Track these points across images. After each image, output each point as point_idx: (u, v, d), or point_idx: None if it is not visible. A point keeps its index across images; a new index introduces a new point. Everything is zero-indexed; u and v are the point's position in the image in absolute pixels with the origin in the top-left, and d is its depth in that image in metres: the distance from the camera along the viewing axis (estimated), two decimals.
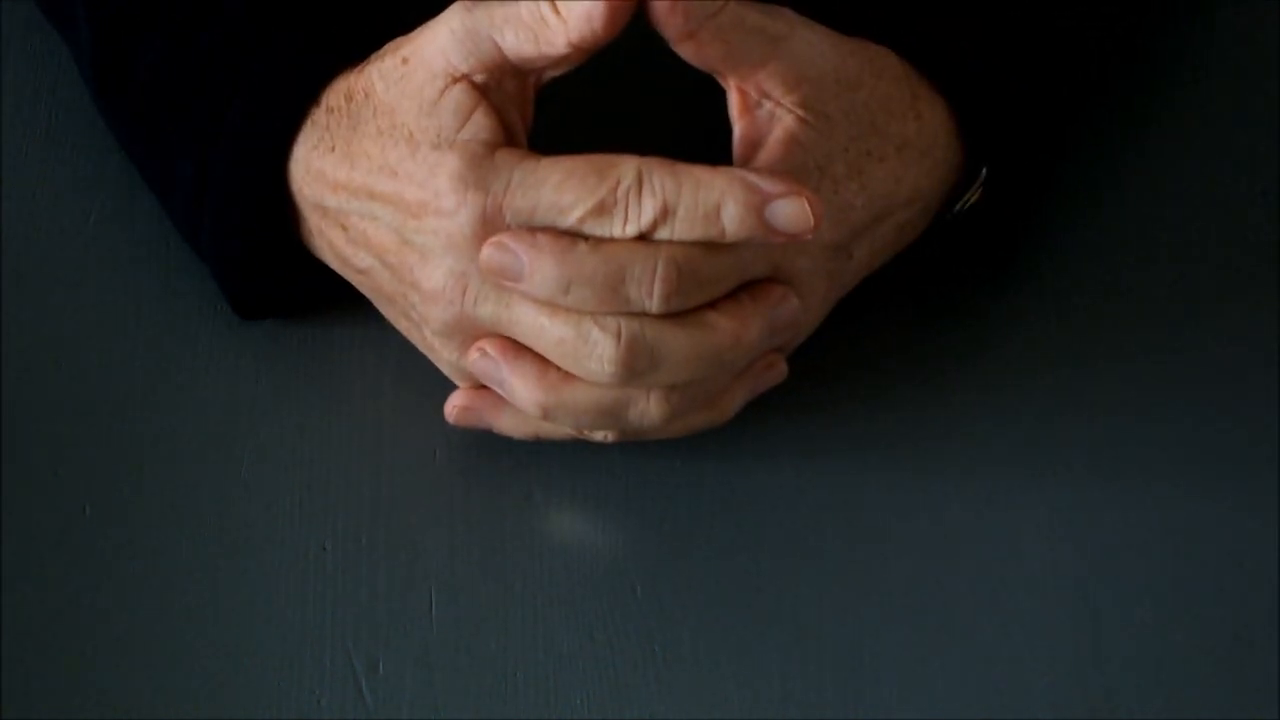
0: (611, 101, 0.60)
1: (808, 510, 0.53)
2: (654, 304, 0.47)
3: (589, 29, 0.47)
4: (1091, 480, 0.53)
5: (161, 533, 0.52)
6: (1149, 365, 0.55)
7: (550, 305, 0.48)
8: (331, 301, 0.54)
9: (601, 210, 0.47)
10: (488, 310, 0.49)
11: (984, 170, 0.53)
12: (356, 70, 0.51)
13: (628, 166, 0.47)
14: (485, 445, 0.52)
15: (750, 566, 0.52)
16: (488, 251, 0.48)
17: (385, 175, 0.49)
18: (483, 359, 0.49)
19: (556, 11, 0.47)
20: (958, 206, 0.54)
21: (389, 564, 0.52)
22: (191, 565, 0.52)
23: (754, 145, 0.50)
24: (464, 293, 0.49)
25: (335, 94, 0.51)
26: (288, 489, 0.53)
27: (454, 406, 0.51)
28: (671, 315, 0.48)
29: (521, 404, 0.49)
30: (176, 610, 0.51)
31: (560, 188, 0.47)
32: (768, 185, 0.47)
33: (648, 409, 0.49)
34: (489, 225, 0.48)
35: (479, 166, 0.48)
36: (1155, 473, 0.54)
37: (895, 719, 0.50)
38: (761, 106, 0.50)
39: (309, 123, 0.51)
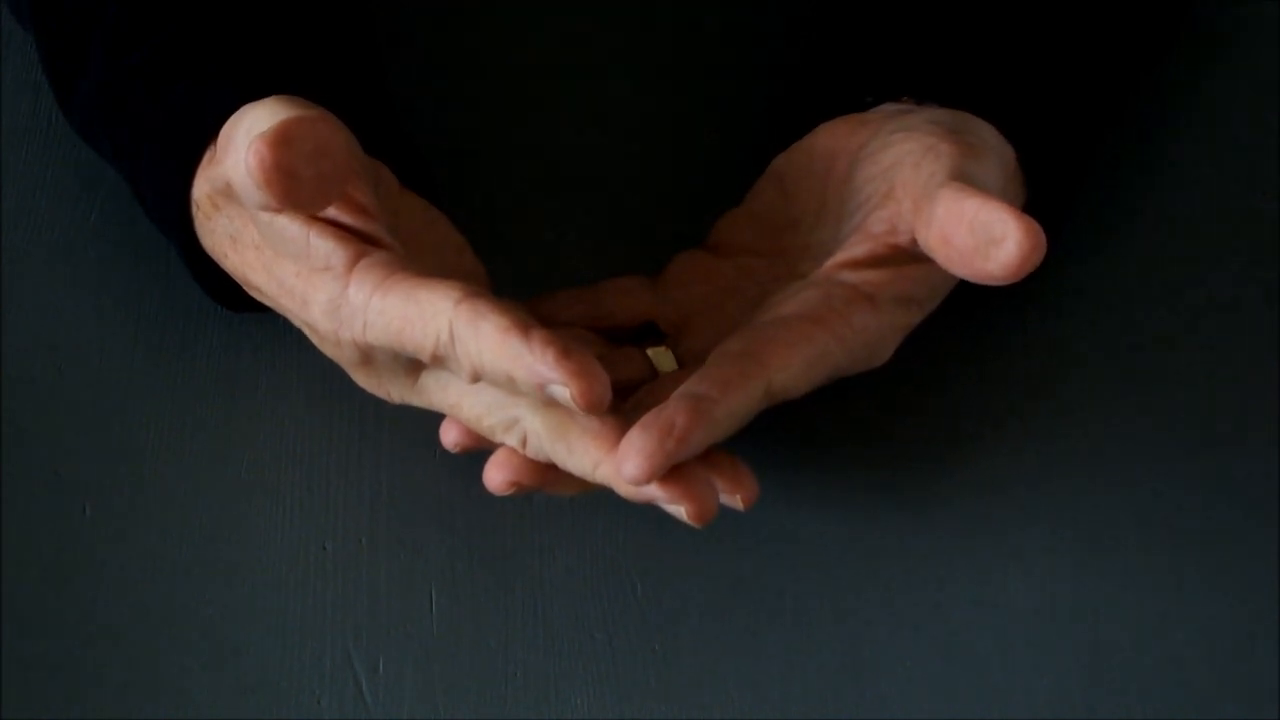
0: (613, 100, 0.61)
1: (808, 510, 0.53)
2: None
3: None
4: (1092, 479, 0.53)
5: (161, 533, 0.52)
6: (1150, 366, 0.55)
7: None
8: None
9: (437, 363, 0.46)
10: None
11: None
12: None
13: (442, 320, 0.45)
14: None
15: (750, 566, 0.52)
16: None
17: (266, 258, 0.49)
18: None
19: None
20: None
21: (389, 564, 0.52)
22: (191, 565, 0.51)
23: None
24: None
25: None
26: (288, 489, 0.53)
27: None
28: None
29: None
30: (176, 610, 0.51)
31: (401, 335, 0.46)
32: (548, 372, 0.44)
33: None
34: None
35: (335, 312, 0.47)
36: (1155, 473, 0.54)
37: (895, 719, 0.50)
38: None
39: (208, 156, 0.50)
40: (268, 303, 0.50)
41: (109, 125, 0.53)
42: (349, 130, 0.46)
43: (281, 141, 0.44)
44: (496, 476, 0.49)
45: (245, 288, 0.51)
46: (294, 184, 0.44)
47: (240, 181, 0.46)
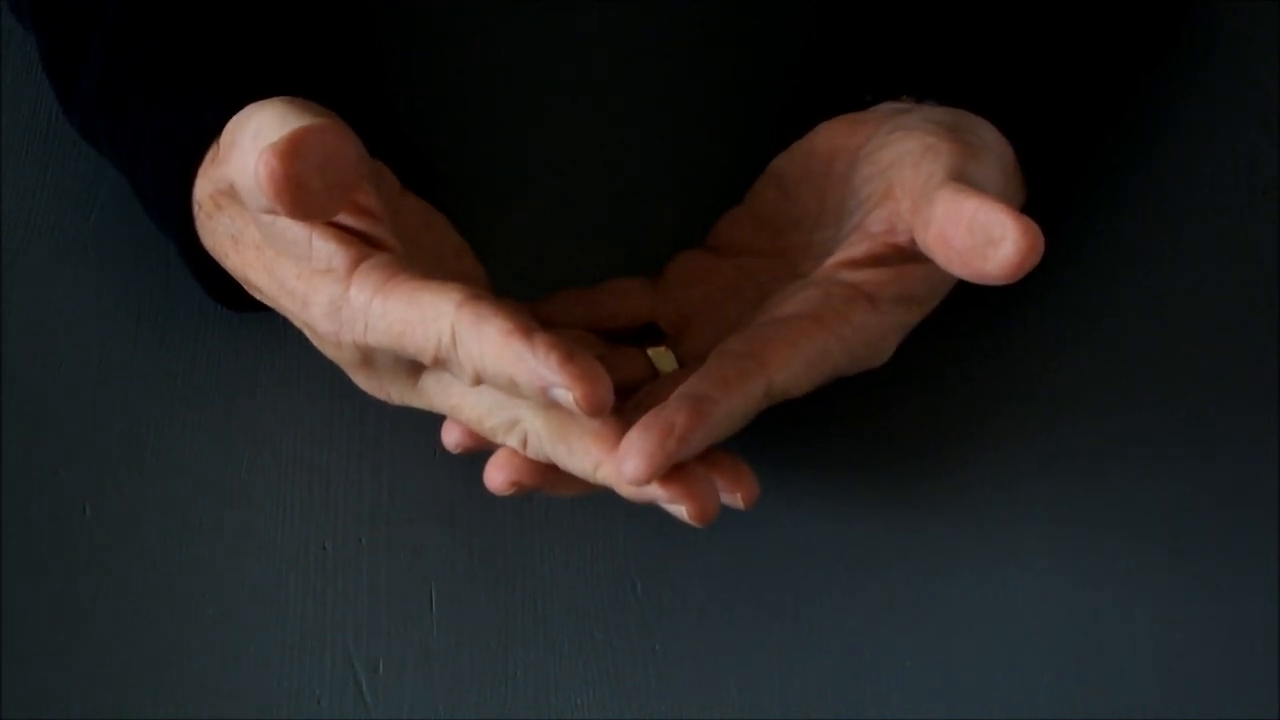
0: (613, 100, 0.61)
1: (808, 510, 0.53)
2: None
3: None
4: (1092, 479, 0.53)
5: (161, 533, 0.52)
6: (1150, 366, 0.55)
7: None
8: None
9: (439, 365, 0.46)
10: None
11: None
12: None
13: (444, 323, 0.45)
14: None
15: (750, 566, 0.52)
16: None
17: (267, 258, 0.49)
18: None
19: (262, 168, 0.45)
20: None
21: (389, 564, 0.52)
22: (191, 565, 0.51)
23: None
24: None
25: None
26: (288, 489, 0.53)
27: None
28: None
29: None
30: (176, 610, 0.51)
31: (403, 338, 0.46)
32: (550, 375, 0.44)
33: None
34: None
35: (336, 314, 0.47)
36: (1155, 473, 0.54)
37: (895, 719, 0.50)
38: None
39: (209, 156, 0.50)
40: (268, 303, 0.50)
41: (109, 125, 0.53)
42: (356, 136, 0.46)
43: (291, 153, 0.44)
44: (497, 477, 0.49)
45: (246, 287, 0.51)
46: (303, 195, 0.44)
47: (244, 184, 0.46)
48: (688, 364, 0.52)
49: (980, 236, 0.46)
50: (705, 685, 0.50)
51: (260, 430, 0.54)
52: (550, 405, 0.46)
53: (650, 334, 0.54)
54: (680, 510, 0.47)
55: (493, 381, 0.45)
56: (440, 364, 0.46)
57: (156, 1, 0.53)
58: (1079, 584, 0.52)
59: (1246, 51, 0.62)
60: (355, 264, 0.47)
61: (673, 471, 0.46)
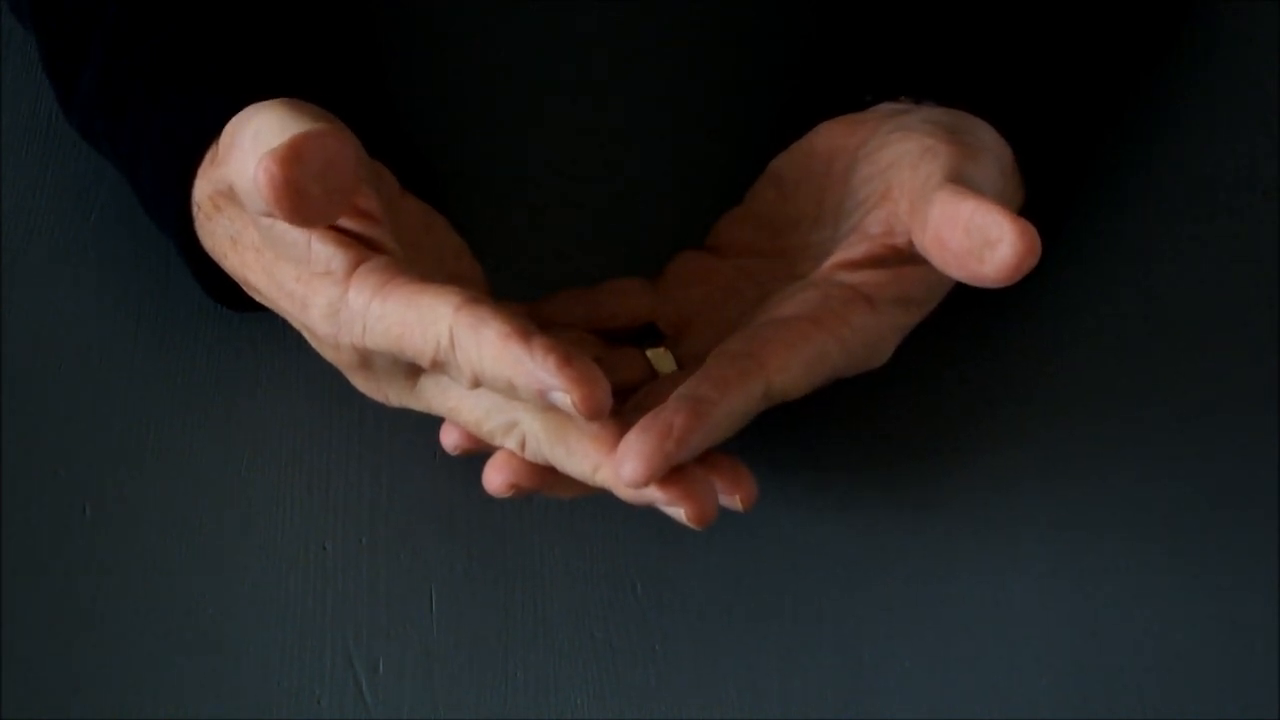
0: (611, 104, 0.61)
1: (808, 511, 0.53)
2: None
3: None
4: (1091, 479, 0.53)
5: (161, 533, 0.52)
6: (1149, 367, 0.55)
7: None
8: None
9: (437, 368, 0.46)
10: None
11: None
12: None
13: (442, 326, 0.45)
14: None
15: (750, 566, 0.52)
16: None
17: (266, 260, 0.49)
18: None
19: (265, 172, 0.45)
20: None
21: (389, 564, 0.52)
22: (191, 565, 0.52)
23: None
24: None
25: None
26: (288, 489, 0.53)
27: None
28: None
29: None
30: (176, 610, 0.51)
31: (401, 341, 0.46)
32: (549, 378, 0.44)
33: None
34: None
35: (334, 317, 0.47)
36: (1155, 473, 0.54)
37: (895, 719, 0.50)
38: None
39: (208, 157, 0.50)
40: (267, 304, 0.50)
41: (109, 125, 0.53)
42: (356, 140, 0.46)
43: (291, 159, 0.44)
44: (496, 479, 0.49)
45: (245, 288, 0.51)
46: (303, 200, 0.44)
47: (244, 187, 0.46)
48: (687, 365, 0.52)
49: (977, 238, 0.46)
50: (705, 685, 0.50)
51: (260, 430, 0.54)
52: (548, 408, 0.46)
53: (650, 334, 0.54)
54: (679, 513, 0.47)
55: (491, 384, 0.45)
56: (438, 367, 0.46)
57: (156, 1, 0.53)
58: (1078, 584, 0.52)
59: (1246, 51, 0.62)
60: (354, 266, 0.47)
61: (671, 473, 0.46)
